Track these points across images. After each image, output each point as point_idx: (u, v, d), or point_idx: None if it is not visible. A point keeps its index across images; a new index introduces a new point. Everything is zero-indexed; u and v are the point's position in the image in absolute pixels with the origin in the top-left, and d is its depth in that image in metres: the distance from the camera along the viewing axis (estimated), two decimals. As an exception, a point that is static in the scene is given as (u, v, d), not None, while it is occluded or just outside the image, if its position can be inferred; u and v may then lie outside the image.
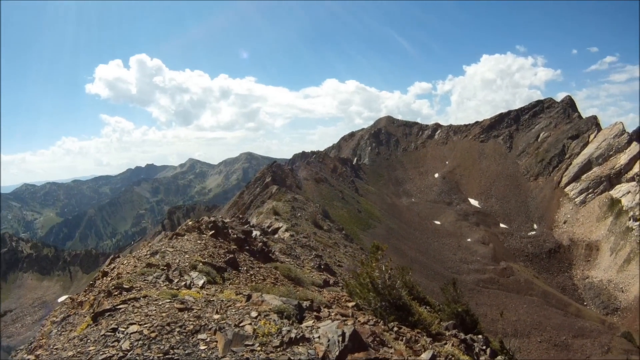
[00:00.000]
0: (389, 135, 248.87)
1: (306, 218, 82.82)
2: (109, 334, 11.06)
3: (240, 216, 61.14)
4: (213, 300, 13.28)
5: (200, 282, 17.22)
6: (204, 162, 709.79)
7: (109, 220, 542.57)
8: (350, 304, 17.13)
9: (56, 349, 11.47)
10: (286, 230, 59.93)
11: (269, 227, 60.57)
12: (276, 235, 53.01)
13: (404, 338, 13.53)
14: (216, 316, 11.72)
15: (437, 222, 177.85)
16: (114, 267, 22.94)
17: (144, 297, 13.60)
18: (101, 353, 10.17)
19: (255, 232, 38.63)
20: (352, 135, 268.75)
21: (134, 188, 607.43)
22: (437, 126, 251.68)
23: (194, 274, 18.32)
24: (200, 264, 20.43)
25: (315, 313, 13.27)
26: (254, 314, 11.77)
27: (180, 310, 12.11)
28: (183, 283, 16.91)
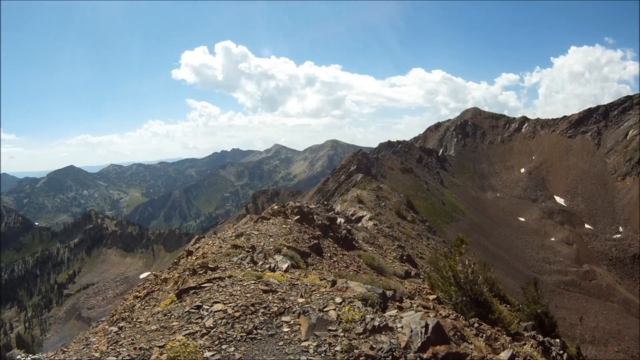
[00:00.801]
0: (476, 127, 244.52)
1: (390, 208, 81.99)
2: (193, 310, 11.17)
3: (325, 203, 61.21)
4: (297, 284, 13.24)
5: (285, 266, 17.20)
6: (290, 148, 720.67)
7: (194, 202, 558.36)
8: (431, 297, 16.80)
9: (139, 322, 11.67)
10: (370, 219, 59.44)
11: (352, 215, 60.29)
12: (359, 224, 52.73)
13: (484, 335, 13.24)
14: (300, 300, 11.68)
15: (522, 219, 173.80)
16: (198, 247, 23.25)
17: (229, 277, 13.69)
18: (184, 329, 10.28)
19: (340, 220, 38.45)
20: (438, 126, 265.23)
21: (219, 171, 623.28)
22: (524, 119, 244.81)
23: (278, 257, 18.34)
24: (285, 248, 20.46)
25: (397, 303, 13.11)
26: (338, 299, 11.63)
27: (265, 292, 12.13)
28: (267, 266, 16.92)
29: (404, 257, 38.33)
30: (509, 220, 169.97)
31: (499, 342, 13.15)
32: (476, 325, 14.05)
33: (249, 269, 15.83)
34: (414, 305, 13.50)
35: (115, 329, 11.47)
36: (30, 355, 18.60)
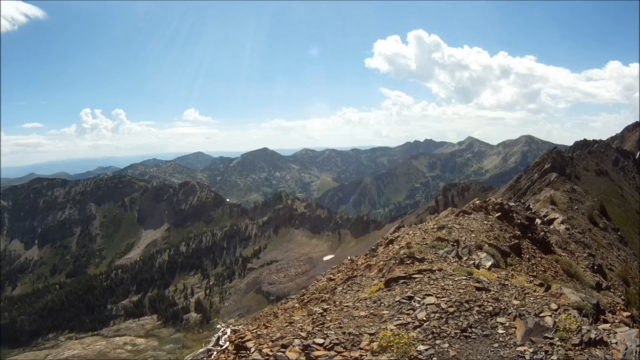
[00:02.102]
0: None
1: (582, 212, 77.77)
2: (404, 301, 10.97)
3: (523, 202, 59.27)
4: (507, 285, 12.68)
5: (488, 264, 16.68)
6: (483, 141, 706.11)
7: (384, 190, 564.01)
8: (624, 314, 15.48)
9: (346, 306, 11.60)
10: (562, 222, 56.80)
11: (544, 216, 57.82)
12: (551, 226, 50.42)
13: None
14: (515, 302, 11.09)
15: None
16: (398, 236, 23.15)
17: (439, 270, 13.40)
18: (395, 318, 10.10)
19: (538, 220, 36.92)
20: (636, 125, 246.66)
21: (411, 161, 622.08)
22: None
23: (481, 254, 17.80)
24: (486, 245, 19.86)
25: (602, 316, 12.13)
26: (553, 305, 10.91)
27: (478, 289, 11.67)
28: (472, 262, 16.51)
29: (595, 267, 36.09)
30: None
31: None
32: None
33: (455, 263, 15.50)
34: (616, 321, 12.54)
35: (319, 310, 11.51)
36: (230, 325, 19.23)
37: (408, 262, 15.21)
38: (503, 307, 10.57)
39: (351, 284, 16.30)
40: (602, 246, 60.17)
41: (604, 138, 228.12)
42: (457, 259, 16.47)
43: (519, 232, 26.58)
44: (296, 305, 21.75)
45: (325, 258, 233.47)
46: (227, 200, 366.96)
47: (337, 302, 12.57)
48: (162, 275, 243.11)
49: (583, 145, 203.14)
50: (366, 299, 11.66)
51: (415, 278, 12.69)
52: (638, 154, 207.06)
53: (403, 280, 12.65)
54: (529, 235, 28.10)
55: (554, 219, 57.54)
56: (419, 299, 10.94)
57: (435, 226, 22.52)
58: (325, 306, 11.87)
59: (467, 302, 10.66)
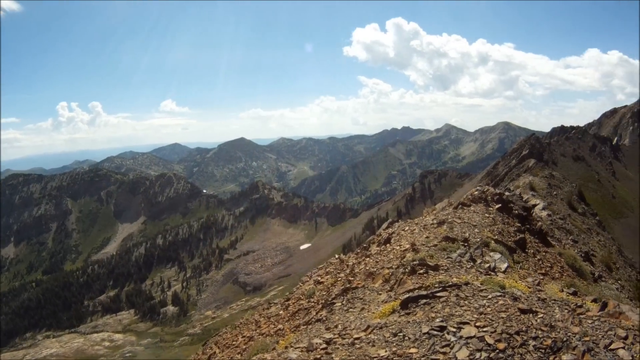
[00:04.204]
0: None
1: (561, 198, 76.86)
2: (435, 332, 8.42)
3: (511, 190, 57.73)
4: (546, 300, 10.21)
5: (504, 266, 14.60)
6: (460, 128, 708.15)
7: (361, 178, 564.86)
8: None
9: (357, 339, 8.96)
10: (543, 208, 55.33)
11: (525, 202, 56.29)
12: (533, 213, 48.87)
13: None
14: (574, 328, 8.47)
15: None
16: (393, 232, 20.87)
17: (465, 284, 10.89)
18: (429, 360, 7.61)
19: (534, 210, 34.97)
20: (614, 112, 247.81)
21: (388, 149, 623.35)
22: None
23: (495, 255, 15.55)
24: (493, 242, 17.62)
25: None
26: (621, 332, 8.30)
27: (523, 312, 9.14)
28: (487, 265, 14.28)
29: (582, 255, 34.19)
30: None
31: None
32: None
33: (473, 270, 13.25)
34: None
35: (320, 342, 8.98)
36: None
37: (421, 271, 12.77)
38: (564, 339, 7.99)
39: (352, 298, 13.35)
40: (583, 231, 59.07)
41: (581, 124, 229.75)
42: (471, 263, 14.14)
43: (519, 224, 24.60)
44: (280, 313, 19.71)
45: (302, 247, 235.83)
46: (204, 191, 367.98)
47: (341, 328, 10.02)
48: (138, 269, 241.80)
49: (560, 131, 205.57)
50: (381, 327, 9.11)
51: (440, 297, 10.18)
52: (615, 139, 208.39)
53: (425, 300, 10.14)
54: (527, 226, 26.14)
55: (535, 205, 56.12)
56: (454, 330, 8.42)
57: (435, 221, 20.18)
58: (328, 336, 9.26)
59: (517, 333, 8.13)
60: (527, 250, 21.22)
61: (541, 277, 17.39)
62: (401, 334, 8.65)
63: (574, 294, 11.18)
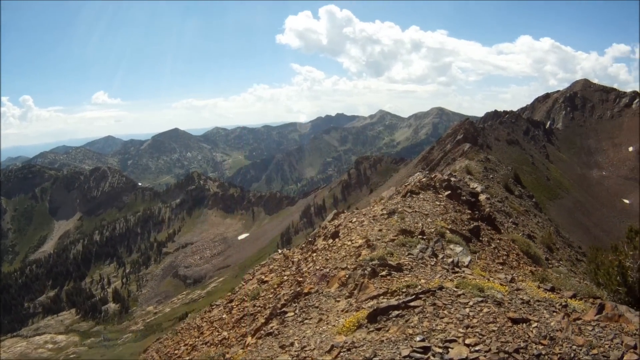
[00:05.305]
0: (585, 100, 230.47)
1: (498, 181, 77.66)
2: (419, 356, 6.86)
3: (454, 174, 57.43)
4: (530, 302, 8.89)
5: (467, 260, 13.50)
6: (394, 114, 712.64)
7: (296, 166, 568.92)
8: None
9: None
10: (482, 191, 55.28)
11: (472, 188, 56.12)
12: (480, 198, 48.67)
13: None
14: (577, 339, 7.11)
15: (626, 201, 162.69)
16: (340, 224, 19.50)
17: (440, 288, 9.48)
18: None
19: (482, 195, 34.18)
20: (546, 97, 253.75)
21: (322, 136, 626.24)
22: (635, 94, 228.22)
23: (457, 248, 14.38)
24: (448, 232, 16.49)
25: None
26: (628, 340, 7.05)
27: (514, 321, 7.80)
28: (450, 260, 13.02)
29: (526, 237, 33.77)
30: (613, 202, 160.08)
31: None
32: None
33: (439, 267, 12.01)
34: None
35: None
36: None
37: (383, 273, 11.34)
38: (571, 354, 6.65)
39: (305, 306, 11.40)
40: (521, 214, 59.49)
41: (515, 109, 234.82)
42: (434, 259, 12.86)
43: (470, 211, 23.71)
44: (224, 317, 18.05)
45: (240, 237, 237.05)
46: (139, 184, 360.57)
47: (299, 347, 8.58)
48: (77, 266, 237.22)
49: (494, 116, 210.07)
50: (349, 349, 7.60)
51: (414, 307, 8.66)
52: (548, 123, 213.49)
53: (397, 312, 8.65)
54: (476, 213, 25.23)
55: (474, 189, 56.09)
56: (440, 351, 6.91)
57: (385, 211, 18.81)
58: (284, 358, 7.79)
59: (516, 351, 6.70)
60: (481, 239, 20.24)
61: (500, 267, 16.53)
62: (376, 358, 7.11)
63: (552, 289, 10.09)
